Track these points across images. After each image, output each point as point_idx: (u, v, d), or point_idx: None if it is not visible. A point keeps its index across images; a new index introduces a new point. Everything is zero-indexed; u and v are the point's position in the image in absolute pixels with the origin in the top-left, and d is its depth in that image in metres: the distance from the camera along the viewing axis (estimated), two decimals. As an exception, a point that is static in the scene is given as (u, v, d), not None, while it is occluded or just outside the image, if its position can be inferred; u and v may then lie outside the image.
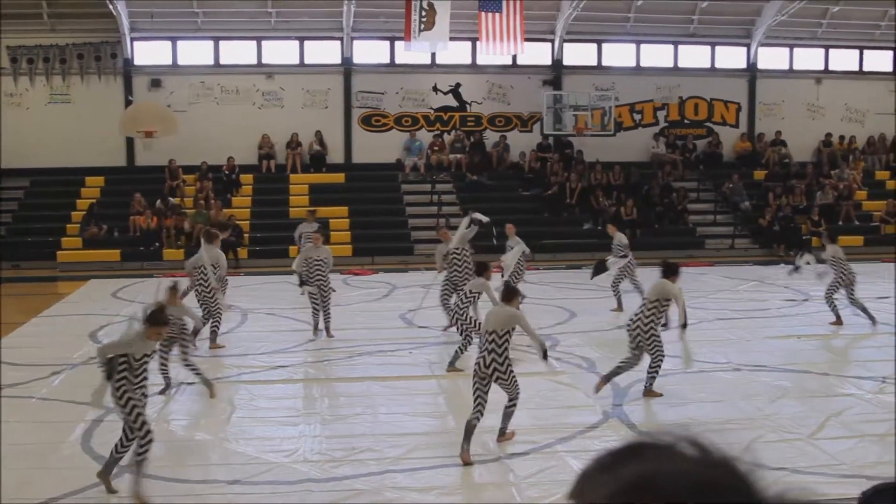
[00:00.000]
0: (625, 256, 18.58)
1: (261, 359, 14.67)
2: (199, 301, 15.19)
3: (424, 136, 29.93)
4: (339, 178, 28.84)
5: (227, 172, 28.32)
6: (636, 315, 12.76)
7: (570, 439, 10.80)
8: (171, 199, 27.27)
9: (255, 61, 29.29)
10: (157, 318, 9.33)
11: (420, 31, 26.12)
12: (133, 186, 27.51)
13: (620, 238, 18.99)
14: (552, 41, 30.10)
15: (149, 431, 9.03)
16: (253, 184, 28.58)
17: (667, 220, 28.05)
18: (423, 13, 26.00)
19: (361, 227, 26.83)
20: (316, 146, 29.06)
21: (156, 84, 29.01)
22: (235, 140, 28.65)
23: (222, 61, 29.31)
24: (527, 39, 27.23)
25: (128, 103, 28.44)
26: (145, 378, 9.22)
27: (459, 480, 9.82)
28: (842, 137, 32.01)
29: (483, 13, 26.30)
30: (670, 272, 12.64)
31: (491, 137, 30.16)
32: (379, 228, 26.96)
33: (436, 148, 29.67)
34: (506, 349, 10.19)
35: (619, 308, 18.53)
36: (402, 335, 16.28)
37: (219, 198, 27.22)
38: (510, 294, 10.71)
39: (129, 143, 28.84)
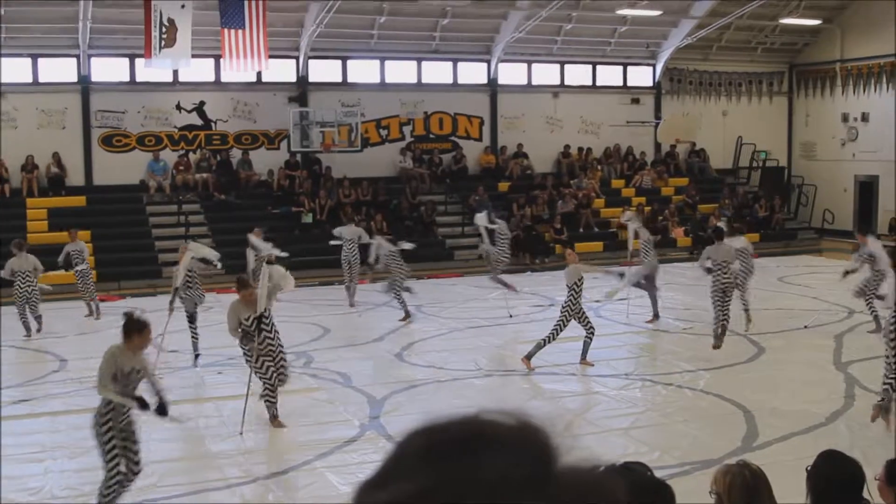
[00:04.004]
0: None
1: (3, 394, 13.86)
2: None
3: (169, 156, 29.15)
4: (79, 201, 27.66)
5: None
6: None
7: (329, 455, 10.78)
8: None
9: (-17, 80, 27.75)
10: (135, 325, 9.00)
11: (161, 47, 25.45)
12: None
13: None
14: (297, 58, 29.98)
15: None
16: (-15, 210, 27.05)
17: (416, 234, 28.42)
18: (164, 29, 25.36)
19: (105, 252, 25.83)
20: (54, 168, 27.79)
21: None
22: (-36, 164, 27.02)
23: (-53, 80, 27.61)
24: (271, 56, 27.00)
25: None
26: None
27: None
28: (580, 149, 33.40)
29: (226, 29, 25.91)
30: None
31: (237, 156, 29.71)
32: (124, 252, 26.03)
33: (181, 167, 28.96)
34: None
35: None
36: (150, 361, 15.75)
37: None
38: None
39: None
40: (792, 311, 18.46)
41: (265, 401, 12.08)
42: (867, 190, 33.94)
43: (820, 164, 35.56)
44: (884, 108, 32.89)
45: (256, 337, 11.82)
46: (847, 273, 17.41)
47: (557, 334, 14.76)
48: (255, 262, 19.99)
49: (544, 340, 14.75)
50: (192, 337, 15.79)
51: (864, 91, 33.87)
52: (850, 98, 34.39)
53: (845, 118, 34.55)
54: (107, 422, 8.93)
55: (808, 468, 4.90)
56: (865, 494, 5.06)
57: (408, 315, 19.02)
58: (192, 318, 15.92)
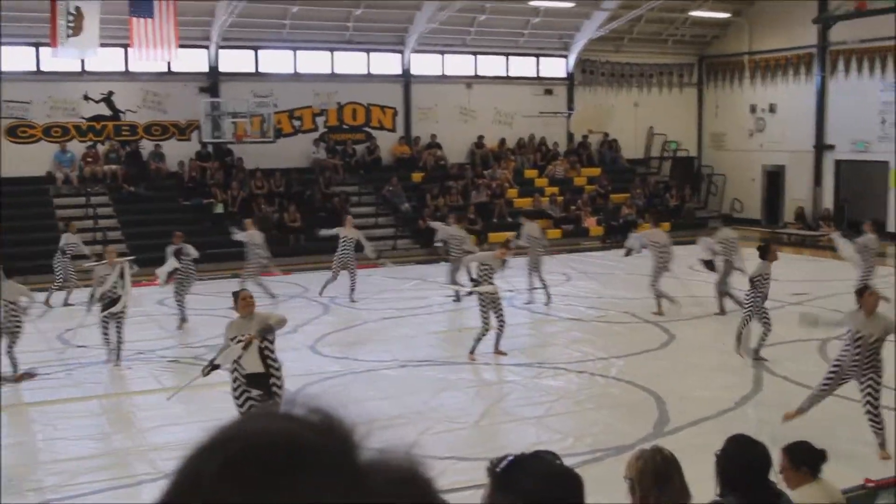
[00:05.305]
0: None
1: None
2: None
3: (77, 147, 28.56)
4: (-16, 193, 27.00)
5: None
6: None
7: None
8: None
9: None
10: None
11: (68, 36, 24.92)
12: None
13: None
14: (208, 47, 29.57)
15: None
16: None
17: (330, 225, 28.19)
18: (71, 17, 24.81)
19: (12, 246, 25.19)
20: (-44, 160, 27.10)
21: None
22: None
23: None
24: (182, 46, 26.60)
25: None
26: None
27: (133, 500, 9.46)
28: (501, 140, 33.53)
29: (135, 18, 25.45)
30: None
31: (147, 147, 29.23)
32: (31, 245, 25.43)
33: (89, 159, 28.39)
34: None
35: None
36: (60, 357, 15.45)
37: None
38: None
39: None
40: (702, 298, 18.73)
41: None
42: (774, 179, 34.62)
43: (729, 154, 36.17)
44: (790, 99, 33.59)
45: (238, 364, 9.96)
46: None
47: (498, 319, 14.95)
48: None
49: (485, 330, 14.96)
50: None
51: (772, 82, 34.52)
52: (758, 89, 35.02)
53: (753, 109, 35.18)
54: None
55: (717, 452, 4.97)
56: (772, 477, 5.14)
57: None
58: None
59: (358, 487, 0.95)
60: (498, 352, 15.02)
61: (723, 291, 18.00)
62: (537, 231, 20.02)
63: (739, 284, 16.66)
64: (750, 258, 18.04)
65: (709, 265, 18.41)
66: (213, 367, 10.31)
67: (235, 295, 10.39)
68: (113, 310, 14.75)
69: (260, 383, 9.87)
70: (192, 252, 18.37)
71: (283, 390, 10.08)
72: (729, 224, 19.54)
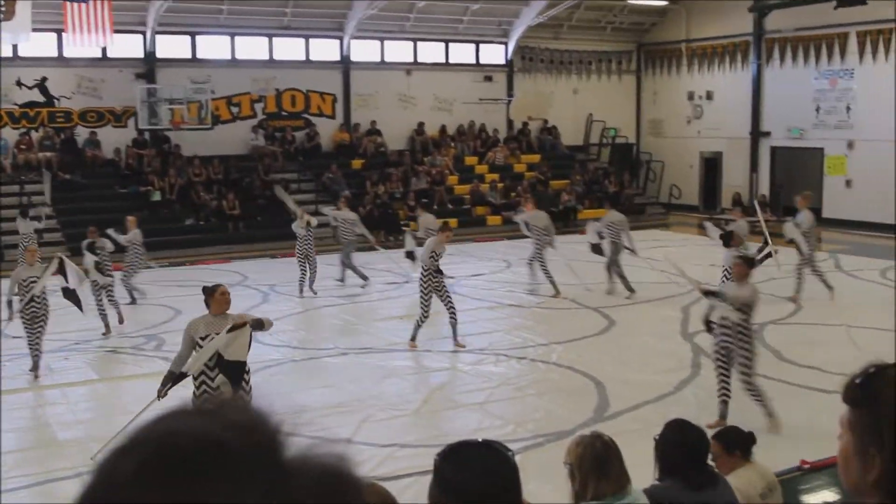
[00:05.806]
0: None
1: None
2: None
3: (10, 134, 28.08)
4: (-86, 181, 26.47)
5: None
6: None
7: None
8: None
9: None
10: None
11: (-1, 21, 24.48)
12: None
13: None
14: (144, 33, 29.20)
15: None
16: None
17: (269, 213, 28.05)
18: (2, 2, 24.37)
19: (-57, 234, 24.79)
20: None
21: None
22: None
23: None
24: (117, 31, 26.23)
25: None
26: None
27: (70, 493, 9.33)
28: (443, 126, 33.51)
29: (68, 3, 25.06)
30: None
31: (83, 134, 28.82)
32: (-36, 234, 25.02)
33: (23, 146, 27.93)
34: None
35: None
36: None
37: None
38: None
39: None
40: (641, 283, 18.89)
41: None
42: (712, 166, 35.03)
43: (667, 141, 36.51)
44: (727, 86, 34.00)
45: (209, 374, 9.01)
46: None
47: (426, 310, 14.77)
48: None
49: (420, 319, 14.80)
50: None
51: (709, 70, 34.89)
52: (696, 77, 35.38)
53: (691, 96, 35.55)
54: None
55: (656, 437, 5.03)
56: (710, 461, 5.21)
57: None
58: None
59: (280, 487, 0.94)
60: (458, 344, 14.77)
61: (616, 272, 18.71)
62: (433, 223, 19.84)
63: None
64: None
65: (595, 249, 19.05)
66: (177, 379, 9.19)
67: (209, 290, 9.35)
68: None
69: (236, 373, 8.90)
70: (108, 246, 17.18)
71: (250, 389, 9.33)
72: (616, 207, 20.12)
